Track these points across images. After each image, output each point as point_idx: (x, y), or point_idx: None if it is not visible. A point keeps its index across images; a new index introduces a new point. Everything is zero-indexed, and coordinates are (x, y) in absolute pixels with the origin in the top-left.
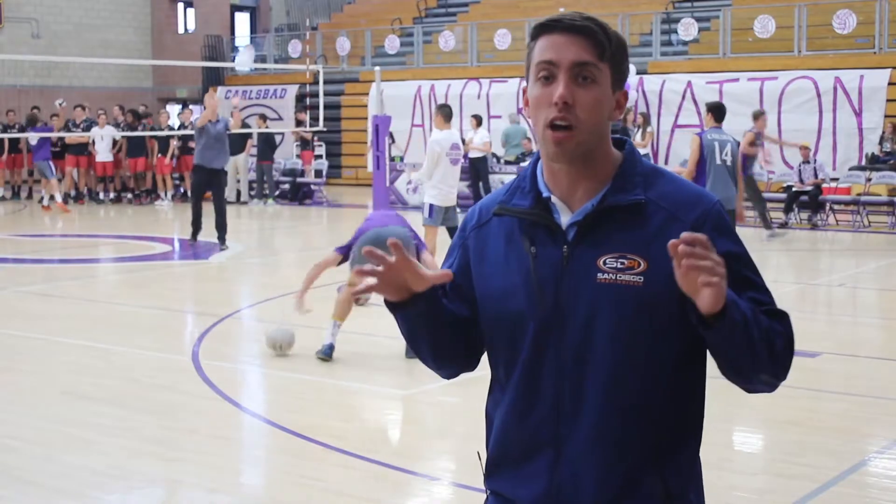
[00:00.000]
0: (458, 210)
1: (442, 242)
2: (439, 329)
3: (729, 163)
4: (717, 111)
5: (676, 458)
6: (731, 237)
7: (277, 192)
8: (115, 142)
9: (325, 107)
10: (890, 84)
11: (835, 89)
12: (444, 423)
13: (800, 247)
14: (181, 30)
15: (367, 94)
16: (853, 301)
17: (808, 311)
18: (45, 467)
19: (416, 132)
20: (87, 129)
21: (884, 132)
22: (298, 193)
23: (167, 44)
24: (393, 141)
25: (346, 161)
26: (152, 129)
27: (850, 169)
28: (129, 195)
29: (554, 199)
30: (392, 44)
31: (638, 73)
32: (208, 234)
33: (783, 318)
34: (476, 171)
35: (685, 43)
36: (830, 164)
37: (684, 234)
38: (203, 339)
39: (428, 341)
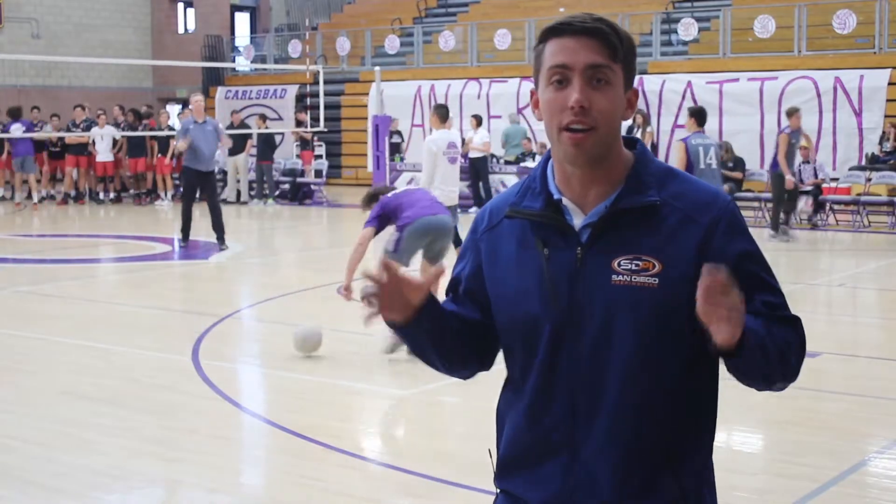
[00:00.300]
0: (458, 210)
1: None
2: (447, 341)
3: (714, 166)
4: (700, 115)
5: (691, 459)
6: (746, 236)
7: (277, 192)
8: (115, 142)
9: (325, 107)
10: (890, 84)
11: (835, 89)
12: (444, 423)
13: (800, 247)
14: (181, 30)
15: (367, 94)
16: (853, 301)
17: (808, 311)
18: (45, 467)
19: (416, 132)
20: (87, 129)
21: (884, 132)
22: (298, 193)
23: (167, 44)
24: (402, 140)
25: (346, 161)
26: (152, 129)
27: (850, 169)
28: (131, 192)
29: (565, 200)
30: (392, 44)
31: (638, 73)
32: (208, 234)
33: (796, 324)
34: (476, 171)
35: (685, 43)
36: (830, 164)
37: (708, 269)
38: (203, 339)
39: (436, 353)
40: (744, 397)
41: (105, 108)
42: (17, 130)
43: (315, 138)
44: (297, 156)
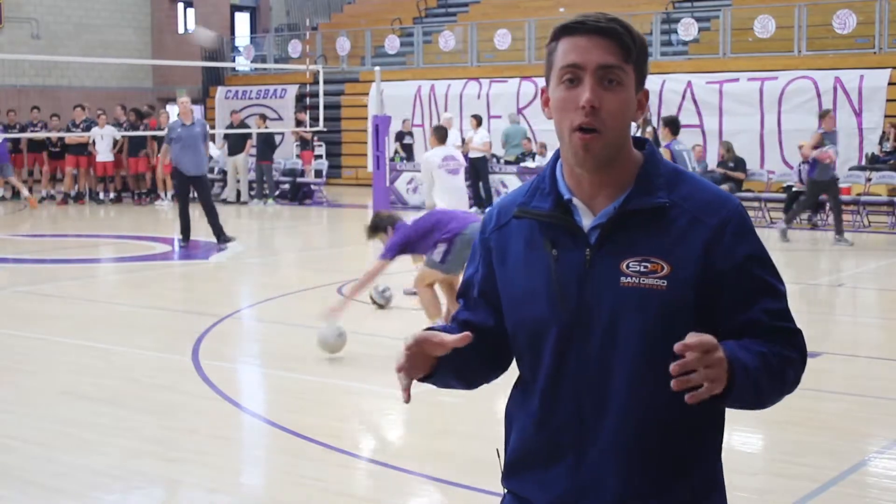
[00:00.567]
0: None
1: None
2: (467, 371)
3: (697, 169)
4: (674, 125)
5: (699, 461)
6: (753, 240)
7: (277, 192)
8: (115, 142)
9: (325, 107)
10: (890, 84)
11: (835, 89)
12: (444, 423)
13: (800, 247)
14: (181, 30)
15: (367, 94)
16: (853, 301)
17: (808, 311)
18: (45, 467)
19: (415, 132)
20: (87, 129)
21: (884, 132)
22: (298, 193)
23: (167, 44)
24: (413, 141)
25: (345, 161)
26: (152, 129)
27: (850, 169)
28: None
29: (575, 201)
30: (392, 44)
31: None
32: (208, 234)
33: (795, 337)
34: (476, 171)
35: (685, 43)
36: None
37: (684, 343)
38: (203, 339)
39: (458, 381)
40: None
41: (105, 108)
42: None
43: (315, 138)
44: (297, 156)
